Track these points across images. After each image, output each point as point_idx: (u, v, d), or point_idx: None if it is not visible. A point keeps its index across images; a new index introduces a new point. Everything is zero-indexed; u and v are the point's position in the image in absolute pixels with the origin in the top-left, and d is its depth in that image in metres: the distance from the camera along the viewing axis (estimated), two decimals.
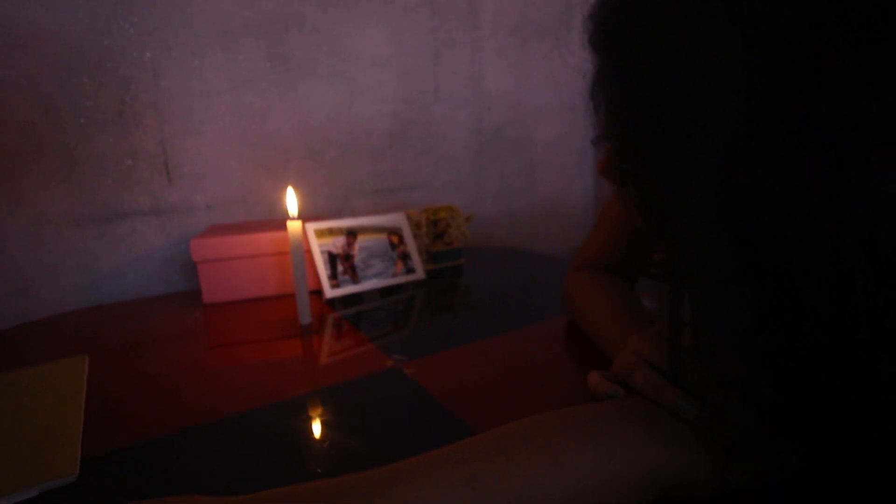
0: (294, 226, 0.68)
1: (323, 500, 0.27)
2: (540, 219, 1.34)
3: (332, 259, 0.82)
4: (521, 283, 0.92)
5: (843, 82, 0.23)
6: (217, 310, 0.80)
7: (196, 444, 0.45)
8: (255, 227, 0.86)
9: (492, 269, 0.99)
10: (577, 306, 0.60)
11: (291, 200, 0.70)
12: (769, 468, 0.28)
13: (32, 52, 0.79)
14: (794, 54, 0.24)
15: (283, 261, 0.83)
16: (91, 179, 0.86)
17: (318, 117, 1.02)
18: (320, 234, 0.83)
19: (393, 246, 0.88)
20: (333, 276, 0.82)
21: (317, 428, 0.46)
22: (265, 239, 0.82)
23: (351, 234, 0.85)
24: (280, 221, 0.89)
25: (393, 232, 0.89)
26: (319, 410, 0.49)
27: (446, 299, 0.84)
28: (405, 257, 0.89)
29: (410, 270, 0.88)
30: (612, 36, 0.31)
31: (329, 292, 0.80)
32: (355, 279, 0.83)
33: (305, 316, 0.70)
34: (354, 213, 1.06)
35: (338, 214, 1.06)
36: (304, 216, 0.92)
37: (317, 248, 0.82)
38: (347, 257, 0.84)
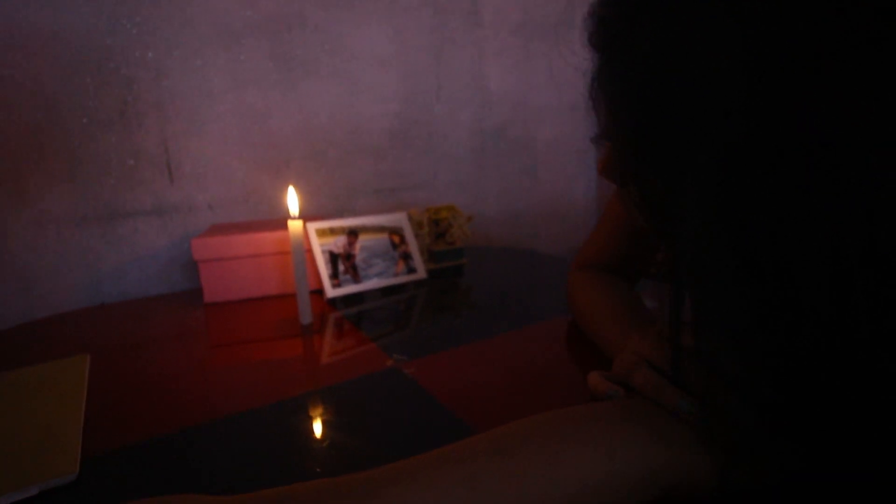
0: (295, 225, 0.68)
1: (322, 500, 0.27)
2: (541, 219, 1.34)
3: (333, 258, 0.82)
4: (523, 282, 0.92)
5: (843, 81, 0.23)
6: (218, 309, 0.80)
7: (196, 443, 0.45)
8: (256, 227, 0.86)
9: (493, 269, 0.99)
10: (577, 306, 0.60)
11: (292, 200, 0.70)
12: (769, 468, 0.28)
13: (35, 52, 0.79)
14: (794, 53, 0.24)
15: (284, 260, 0.83)
16: (94, 179, 0.86)
17: (319, 117, 1.02)
18: (321, 233, 0.83)
19: (394, 245, 0.88)
20: (335, 275, 0.82)
21: (317, 427, 0.46)
22: (266, 238, 0.82)
23: (352, 233, 0.85)
24: (281, 221, 0.89)
25: (394, 231, 0.89)
26: (319, 410, 0.49)
27: (448, 299, 0.84)
28: (406, 257, 0.89)
29: (412, 270, 0.88)
30: (612, 34, 0.31)
31: (330, 292, 0.80)
32: (356, 279, 0.83)
33: (306, 315, 0.70)
34: (356, 213, 1.06)
35: (339, 214, 1.06)
36: (306, 216, 0.93)
37: (318, 247, 0.82)
38: (349, 257, 0.84)
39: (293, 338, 0.68)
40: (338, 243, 0.84)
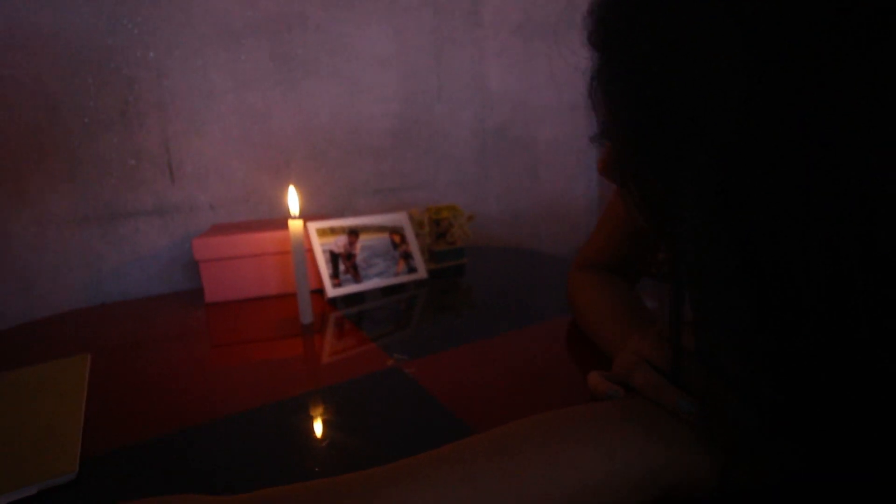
0: (295, 225, 0.68)
1: (321, 500, 0.27)
2: (542, 218, 1.33)
3: (333, 258, 0.82)
4: (524, 282, 0.92)
5: (843, 81, 0.23)
6: (219, 309, 0.80)
7: (196, 442, 0.45)
8: (257, 227, 0.86)
9: (494, 269, 0.99)
10: (577, 306, 0.60)
11: (293, 199, 0.70)
12: (769, 468, 0.28)
13: (36, 52, 0.79)
14: (794, 53, 0.24)
15: (285, 260, 0.83)
16: (95, 179, 0.86)
17: (320, 117, 1.02)
18: (322, 233, 0.83)
19: (395, 245, 0.88)
20: (335, 275, 0.82)
21: (317, 427, 0.46)
22: (267, 238, 0.82)
23: (353, 233, 0.85)
24: (282, 221, 0.89)
25: (395, 231, 0.89)
26: (320, 410, 0.49)
27: (448, 299, 0.84)
28: (407, 256, 0.89)
29: (412, 270, 0.88)
30: (611, 34, 0.31)
31: (331, 291, 0.80)
32: (357, 278, 0.83)
33: (307, 315, 0.70)
34: (357, 213, 1.06)
35: (340, 214, 1.06)
36: (306, 215, 0.93)
37: (318, 247, 0.82)
38: (349, 256, 0.84)
39: (294, 337, 0.68)
40: (338, 243, 0.84)
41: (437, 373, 0.55)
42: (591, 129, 0.36)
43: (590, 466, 0.29)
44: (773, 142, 0.24)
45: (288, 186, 0.73)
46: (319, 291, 0.83)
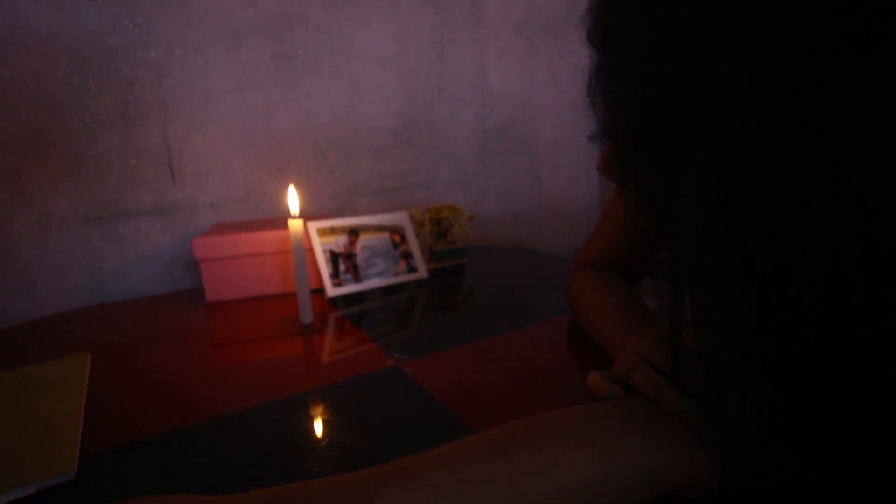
0: (295, 224, 0.68)
1: (320, 500, 0.27)
2: (544, 218, 1.33)
3: (334, 258, 0.82)
4: (524, 282, 0.92)
5: (843, 80, 0.23)
6: (220, 308, 0.80)
7: (196, 442, 0.45)
8: (257, 226, 0.86)
9: (495, 269, 0.98)
10: (578, 305, 0.60)
11: (293, 199, 0.70)
12: (769, 469, 0.28)
13: (38, 52, 0.79)
14: (794, 52, 0.23)
15: (285, 259, 0.83)
16: (96, 179, 0.86)
17: (321, 116, 1.02)
18: (322, 232, 0.83)
19: (395, 245, 0.88)
20: (335, 274, 0.82)
21: (316, 426, 0.46)
22: (267, 237, 0.82)
23: (353, 232, 0.85)
24: (283, 220, 0.89)
25: (395, 231, 0.89)
26: (319, 409, 0.49)
27: (449, 298, 0.84)
28: (407, 256, 0.89)
29: (413, 269, 0.88)
30: (610, 33, 0.31)
31: (331, 291, 0.80)
32: (357, 278, 0.83)
33: (307, 315, 0.70)
34: (357, 213, 1.06)
35: (341, 213, 1.06)
36: (308, 215, 0.93)
37: (319, 246, 0.82)
38: (349, 256, 0.84)
39: (294, 337, 0.68)
40: (339, 242, 0.83)
41: (437, 372, 0.55)
42: (591, 128, 0.36)
43: (589, 466, 0.29)
44: (773, 141, 0.24)
45: (288, 186, 0.73)
46: (320, 291, 0.83)
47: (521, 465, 0.28)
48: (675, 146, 0.28)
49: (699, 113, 0.26)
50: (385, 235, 0.88)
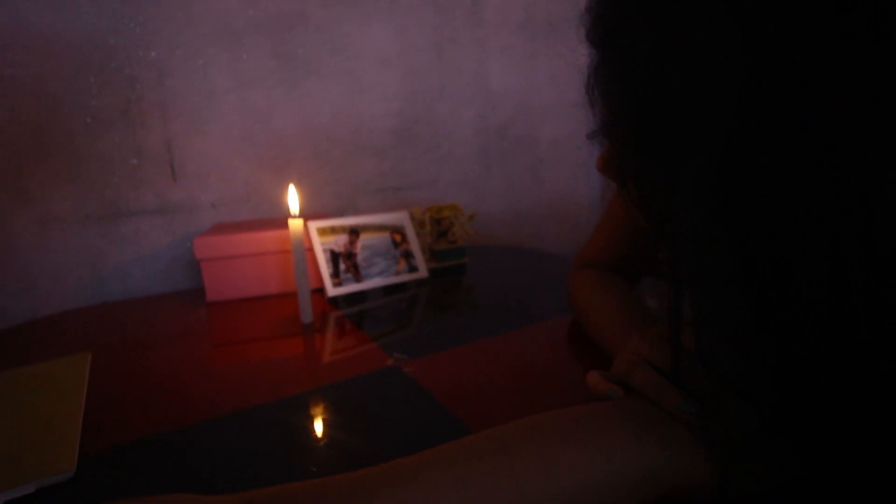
0: (295, 224, 0.68)
1: (318, 500, 0.27)
2: (545, 218, 1.33)
3: (334, 257, 0.82)
4: (525, 282, 0.92)
5: (843, 80, 0.23)
6: (220, 308, 0.80)
7: (196, 441, 0.45)
8: (258, 226, 0.87)
9: (495, 269, 0.98)
10: (578, 305, 0.60)
11: (293, 198, 0.70)
12: (769, 469, 0.27)
13: (39, 52, 0.80)
14: (794, 51, 0.23)
15: (286, 259, 0.83)
16: (97, 178, 0.86)
17: (322, 116, 1.02)
18: (323, 232, 0.83)
19: (396, 244, 0.88)
20: (336, 274, 0.82)
21: (316, 426, 0.46)
22: (268, 237, 0.82)
23: (353, 232, 0.85)
24: (284, 220, 0.89)
25: (396, 230, 0.89)
26: (319, 409, 0.49)
27: (449, 298, 0.83)
28: (408, 256, 0.89)
29: (413, 269, 0.88)
30: (608, 31, 0.31)
31: (331, 290, 0.80)
32: (358, 277, 0.83)
33: (307, 314, 0.70)
34: (358, 212, 1.06)
35: (342, 213, 1.06)
36: (309, 215, 0.93)
37: (319, 246, 0.82)
38: (350, 255, 0.84)
39: (294, 336, 0.68)
40: (339, 242, 0.83)
41: (437, 372, 0.55)
42: (592, 128, 0.36)
43: (589, 466, 0.29)
44: (773, 141, 0.24)
45: (288, 186, 0.73)
46: (321, 291, 0.83)
47: (521, 465, 0.28)
48: (674, 146, 0.28)
49: (699, 112, 0.26)
50: (386, 235, 0.88)
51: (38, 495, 0.38)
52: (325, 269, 0.81)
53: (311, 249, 0.82)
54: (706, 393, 0.31)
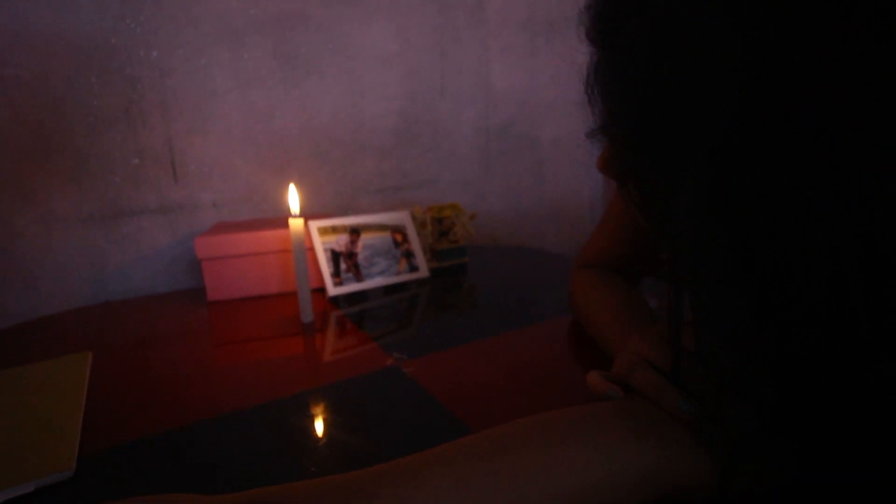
0: (296, 223, 0.68)
1: (317, 500, 0.27)
2: (546, 217, 1.33)
3: (335, 257, 0.82)
4: (526, 282, 0.92)
5: (843, 79, 0.23)
6: (221, 307, 0.80)
7: (196, 441, 0.45)
8: (259, 225, 0.87)
9: (497, 268, 0.98)
10: (578, 305, 0.60)
11: (293, 198, 0.70)
12: (769, 469, 0.27)
13: (41, 51, 0.80)
14: (793, 50, 0.23)
15: (286, 258, 0.83)
16: (99, 178, 0.86)
17: (323, 115, 1.02)
18: (323, 231, 0.83)
19: (397, 244, 0.88)
20: (336, 273, 0.82)
21: (315, 426, 0.46)
22: (269, 237, 0.82)
23: (354, 231, 0.85)
24: (285, 219, 0.89)
25: (397, 230, 0.89)
26: (318, 408, 0.49)
27: (450, 298, 0.83)
28: (409, 255, 0.89)
29: (414, 269, 0.88)
30: (608, 30, 0.31)
31: (332, 290, 0.80)
32: (359, 277, 0.83)
33: (307, 314, 0.70)
34: (360, 212, 1.06)
35: (343, 213, 1.06)
36: (310, 214, 0.93)
37: (320, 245, 0.82)
38: (351, 255, 0.84)
39: (294, 336, 0.68)
40: (340, 241, 0.83)
41: (437, 372, 0.55)
42: (593, 127, 0.36)
43: (589, 466, 0.29)
44: (773, 141, 0.24)
45: (289, 185, 0.73)
46: (322, 290, 0.83)
47: (521, 465, 0.28)
48: (674, 146, 0.27)
49: (698, 112, 0.26)
50: (386, 234, 0.88)
51: (37, 494, 0.38)
52: (325, 269, 0.81)
53: (311, 249, 0.82)
54: (706, 393, 0.30)
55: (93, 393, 0.52)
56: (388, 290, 0.85)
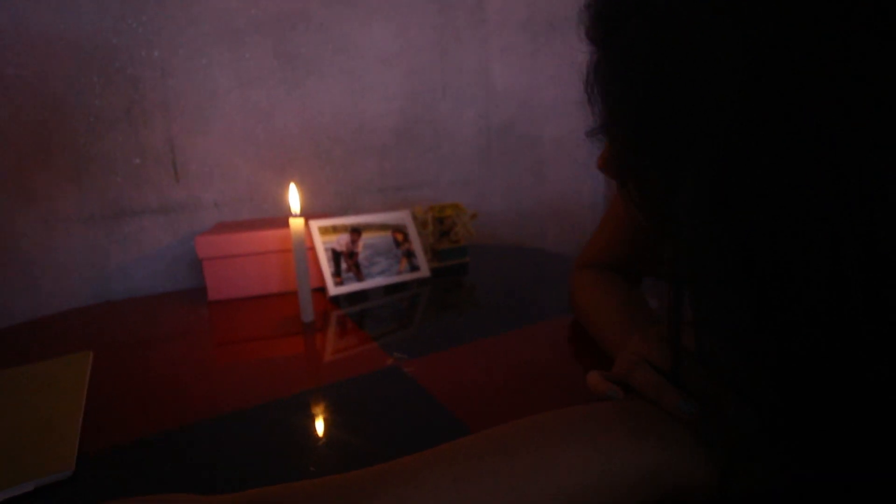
0: (296, 223, 0.68)
1: (316, 500, 0.27)
2: (547, 217, 1.33)
3: (336, 256, 0.82)
4: (527, 281, 0.92)
5: (843, 79, 0.22)
6: (222, 307, 0.80)
7: (196, 440, 0.45)
8: (259, 225, 0.87)
9: (498, 268, 0.98)
10: (579, 305, 0.60)
11: (294, 197, 0.70)
12: (770, 470, 0.27)
13: (43, 52, 0.80)
14: (793, 49, 0.23)
15: (287, 258, 0.83)
16: (100, 178, 0.87)
17: (324, 115, 1.02)
18: (324, 231, 0.83)
19: (397, 243, 0.88)
20: (337, 273, 0.82)
21: (314, 426, 0.46)
22: (269, 236, 0.82)
23: (355, 231, 0.85)
24: (285, 219, 0.89)
25: (398, 229, 0.89)
26: (319, 408, 0.49)
27: (451, 297, 0.83)
28: (410, 255, 0.88)
29: (415, 268, 0.88)
30: (608, 29, 0.31)
31: (332, 290, 0.80)
32: (359, 277, 0.83)
33: (308, 313, 0.70)
34: (361, 211, 1.06)
35: (344, 212, 1.06)
36: (311, 214, 0.93)
37: (321, 245, 0.82)
38: (351, 255, 0.84)
39: (294, 336, 0.68)
40: (340, 241, 0.83)
41: (437, 372, 0.55)
42: (593, 126, 0.36)
43: (588, 467, 0.29)
44: (773, 141, 0.24)
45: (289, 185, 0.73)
46: (322, 290, 0.83)
47: (521, 465, 0.28)
48: (674, 145, 0.27)
49: (698, 112, 0.26)
50: (387, 234, 0.88)
51: (36, 494, 0.38)
52: (326, 269, 0.81)
53: (312, 248, 0.82)
54: (706, 393, 0.30)
55: (93, 393, 0.52)
56: (389, 289, 0.85)
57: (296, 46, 0.97)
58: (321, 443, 0.43)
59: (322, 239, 0.82)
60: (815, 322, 0.23)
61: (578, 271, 0.63)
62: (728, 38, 0.24)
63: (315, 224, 0.83)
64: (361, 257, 0.84)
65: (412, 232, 0.90)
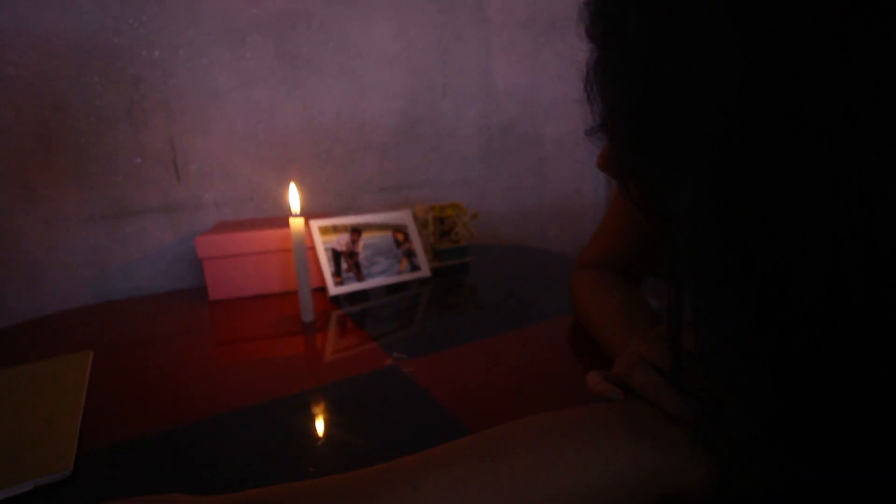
0: (296, 223, 0.68)
1: (315, 500, 0.27)
2: (548, 217, 1.33)
3: (336, 256, 0.82)
4: (528, 281, 0.91)
5: (843, 79, 0.22)
6: (222, 306, 0.80)
7: (196, 440, 0.45)
8: (260, 224, 0.87)
9: (499, 268, 0.98)
10: (579, 305, 0.60)
11: (294, 197, 0.70)
12: (769, 471, 0.27)
13: (44, 51, 0.80)
14: (793, 50, 0.23)
15: (287, 258, 0.83)
16: (102, 177, 0.87)
17: (325, 115, 1.02)
18: (324, 231, 0.83)
19: (398, 243, 0.88)
20: (337, 273, 0.82)
21: (314, 426, 0.46)
22: (270, 236, 0.82)
23: (355, 231, 0.85)
24: (286, 219, 0.89)
25: (398, 229, 0.89)
26: (318, 408, 0.49)
27: (451, 297, 0.83)
28: (410, 255, 0.88)
29: (415, 268, 0.88)
30: (607, 27, 0.31)
31: (333, 289, 0.80)
32: (360, 277, 0.83)
33: (308, 313, 0.70)
34: (362, 211, 1.06)
35: (345, 212, 1.06)
36: (311, 214, 0.93)
37: (321, 245, 0.82)
38: (352, 255, 0.84)
39: (295, 335, 0.68)
40: (341, 241, 0.83)
41: (436, 372, 0.55)
42: (593, 125, 0.36)
43: (588, 467, 0.29)
44: (773, 140, 0.24)
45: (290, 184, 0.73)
46: (323, 289, 0.83)
47: (520, 466, 0.28)
48: (673, 145, 0.27)
49: (698, 112, 0.26)
50: (388, 234, 0.88)
51: (35, 494, 0.38)
52: (326, 268, 0.81)
53: (312, 248, 0.82)
54: (706, 394, 0.30)
55: (93, 392, 0.53)
56: (390, 289, 0.85)
57: (296, 46, 0.97)
58: (321, 443, 0.43)
59: (322, 239, 0.82)
60: (815, 322, 0.23)
61: (579, 271, 0.63)
62: (728, 37, 0.24)
63: (315, 224, 0.83)
64: (362, 257, 0.84)
65: (413, 232, 0.90)
